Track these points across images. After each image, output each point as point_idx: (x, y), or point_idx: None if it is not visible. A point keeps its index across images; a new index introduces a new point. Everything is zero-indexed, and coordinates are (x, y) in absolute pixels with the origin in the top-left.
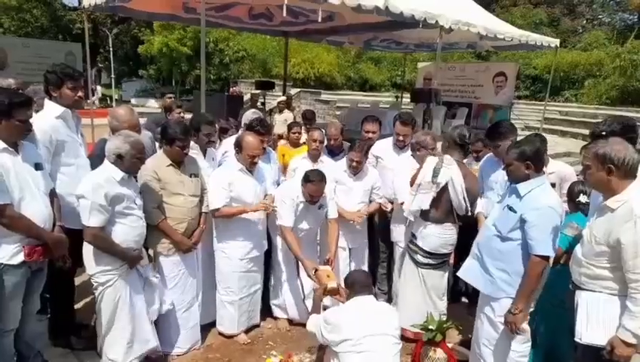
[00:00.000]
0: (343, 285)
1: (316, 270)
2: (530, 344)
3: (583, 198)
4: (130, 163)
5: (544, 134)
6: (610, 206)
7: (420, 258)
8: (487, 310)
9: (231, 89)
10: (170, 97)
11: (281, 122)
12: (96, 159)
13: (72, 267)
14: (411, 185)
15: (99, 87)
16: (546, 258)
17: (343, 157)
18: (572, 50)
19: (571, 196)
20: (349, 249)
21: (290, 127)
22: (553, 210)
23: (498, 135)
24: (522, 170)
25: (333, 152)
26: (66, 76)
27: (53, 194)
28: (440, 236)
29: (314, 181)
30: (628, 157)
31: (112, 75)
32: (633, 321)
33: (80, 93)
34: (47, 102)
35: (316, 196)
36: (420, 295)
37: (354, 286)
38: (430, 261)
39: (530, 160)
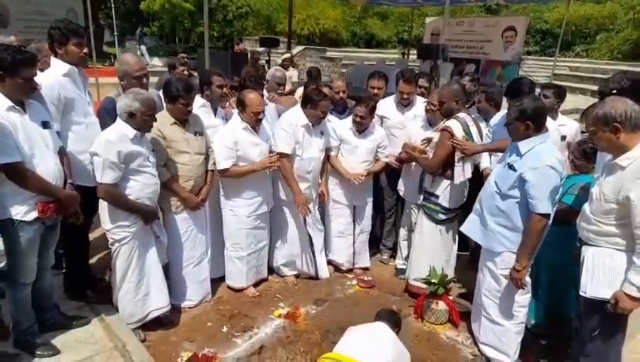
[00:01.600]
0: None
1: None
2: (529, 295)
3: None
4: (142, 120)
5: None
6: (620, 164)
7: (441, 216)
8: (489, 263)
9: (235, 46)
10: (183, 56)
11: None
12: (104, 116)
13: (86, 223)
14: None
15: (143, 47)
16: (547, 216)
17: (349, 115)
18: (585, 3)
19: (586, 155)
20: (354, 206)
21: (306, 85)
22: (552, 169)
23: (519, 92)
24: (521, 130)
25: (338, 110)
26: (70, 32)
27: (62, 153)
28: (461, 191)
29: (319, 99)
30: (629, 110)
31: (115, 33)
32: (639, 276)
33: (85, 50)
34: (53, 59)
35: (326, 110)
36: (437, 251)
37: (377, 316)
38: (448, 216)
39: (531, 119)
